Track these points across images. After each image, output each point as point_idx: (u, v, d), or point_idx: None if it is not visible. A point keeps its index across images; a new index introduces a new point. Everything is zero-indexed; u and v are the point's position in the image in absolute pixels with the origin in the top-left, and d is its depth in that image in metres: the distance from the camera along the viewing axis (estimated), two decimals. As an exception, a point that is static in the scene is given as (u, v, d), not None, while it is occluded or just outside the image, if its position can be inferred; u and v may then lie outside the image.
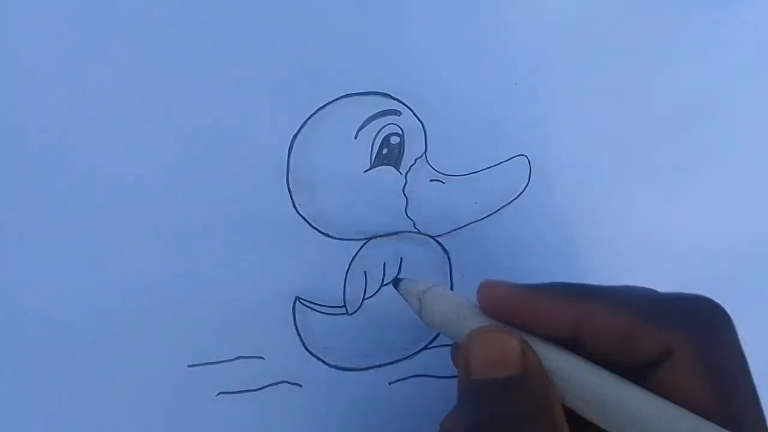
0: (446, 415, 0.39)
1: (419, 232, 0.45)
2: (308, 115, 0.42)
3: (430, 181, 0.44)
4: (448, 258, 0.45)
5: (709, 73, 0.45)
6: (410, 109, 0.43)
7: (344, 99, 0.42)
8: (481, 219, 0.45)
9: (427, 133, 0.44)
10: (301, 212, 0.44)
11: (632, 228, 0.46)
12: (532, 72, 0.44)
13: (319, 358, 0.46)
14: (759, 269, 0.48)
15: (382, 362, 0.46)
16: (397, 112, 0.43)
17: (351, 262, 0.45)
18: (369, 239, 0.45)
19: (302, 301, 0.45)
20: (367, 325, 0.46)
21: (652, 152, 0.45)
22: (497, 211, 0.45)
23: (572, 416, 0.30)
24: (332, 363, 0.46)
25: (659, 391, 0.29)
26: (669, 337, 0.30)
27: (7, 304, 0.44)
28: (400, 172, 0.44)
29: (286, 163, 0.43)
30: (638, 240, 0.46)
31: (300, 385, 0.46)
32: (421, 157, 0.44)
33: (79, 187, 0.42)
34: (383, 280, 0.45)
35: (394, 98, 0.43)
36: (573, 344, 0.32)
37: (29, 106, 0.41)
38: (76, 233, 0.43)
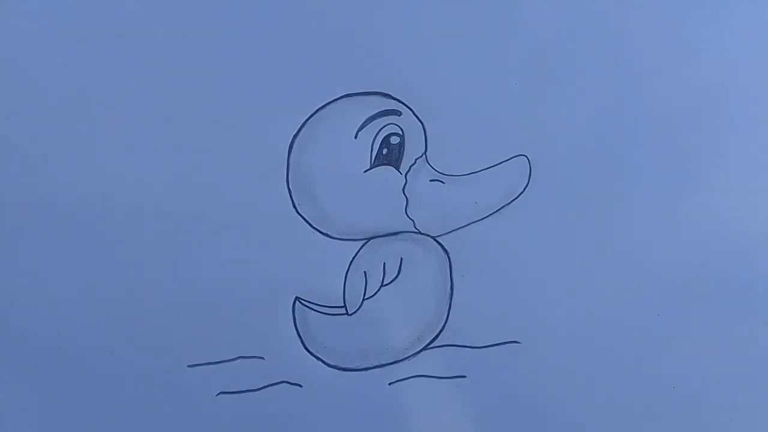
0: None
1: (419, 232, 0.45)
2: (308, 115, 0.42)
3: (430, 181, 0.44)
4: (448, 258, 0.45)
5: (709, 73, 0.45)
6: (410, 109, 0.43)
7: (344, 99, 0.42)
8: (481, 219, 0.45)
9: (427, 133, 0.43)
10: (301, 212, 0.44)
11: (631, 227, 0.46)
12: (532, 72, 0.44)
13: (319, 358, 0.46)
14: (759, 269, 0.48)
15: (382, 362, 0.46)
16: (397, 112, 0.43)
17: (351, 262, 0.45)
18: (369, 239, 0.45)
19: (302, 301, 0.45)
20: (367, 325, 0.46)
21: (651, 152, 0.45)
22: (497, 211, 0.45)
23: None
24: (332, 363, 0.46)
25: None
26: None
27: (8, 304, 0.44)
28: (400, 172, 0.44)
29: (286, 163, 0.43)
30: (637, 239, 0.46)
31: (300, 385, 0.46)
32: (421, 157, 0.44)
33: (78, 188, 0.42)
34: (383, 280, 0.45)
35: (394, 98, 0.43)
36: None
37: (30, 107, 0.41)
38: (76, 233, 0.43)
